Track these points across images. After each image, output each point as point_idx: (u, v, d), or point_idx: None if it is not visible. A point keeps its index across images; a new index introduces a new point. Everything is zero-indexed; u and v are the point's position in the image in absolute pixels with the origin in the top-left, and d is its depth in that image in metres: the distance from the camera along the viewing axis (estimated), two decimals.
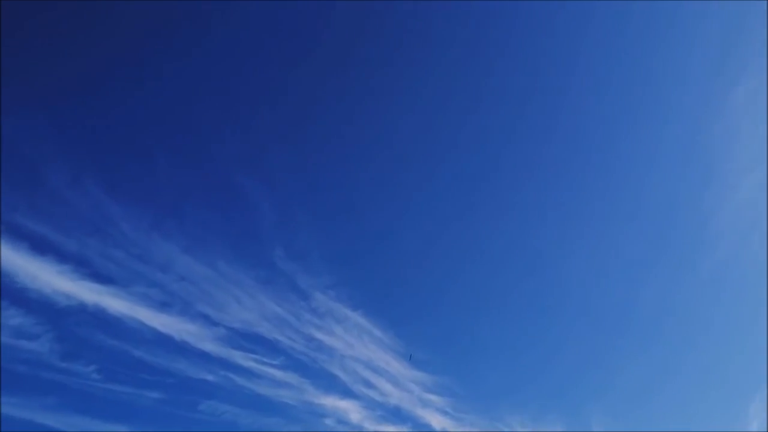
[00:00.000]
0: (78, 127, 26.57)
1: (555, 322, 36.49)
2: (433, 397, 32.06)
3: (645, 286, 37.29)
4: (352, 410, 30.45)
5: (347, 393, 30.61)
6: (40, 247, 24.60)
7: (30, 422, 24.08)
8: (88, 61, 26.82)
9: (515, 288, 36.45)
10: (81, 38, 26.56)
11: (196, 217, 28.67)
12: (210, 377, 27.78)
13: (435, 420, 31.70)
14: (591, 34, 34.93)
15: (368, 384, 31.10)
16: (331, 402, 30.26)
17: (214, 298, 28.18)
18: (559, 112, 36.04)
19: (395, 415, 31.37)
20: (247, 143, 30.74)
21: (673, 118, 36.46)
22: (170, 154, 28.68)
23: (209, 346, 27.76)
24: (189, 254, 27.94)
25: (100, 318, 25.74)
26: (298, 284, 30.16)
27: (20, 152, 24.79)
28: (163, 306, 27.10)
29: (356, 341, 31.28)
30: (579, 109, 36.06)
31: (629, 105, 36.07)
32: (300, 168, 31.93)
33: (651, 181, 37.32)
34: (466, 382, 33.04)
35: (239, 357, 28.34)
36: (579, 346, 36.10)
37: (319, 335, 30.34)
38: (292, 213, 31.17)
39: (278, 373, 29.15)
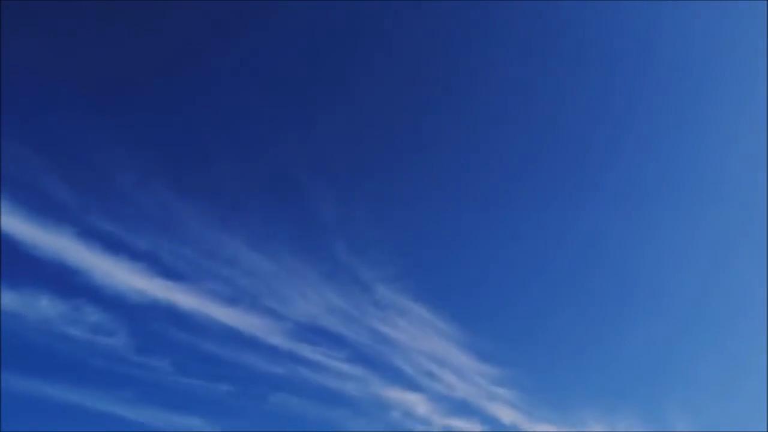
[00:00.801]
0: (144, 131, 27.42)
1: (629, 312, 35.13)
2: (500, 390, 31.61)
3: (725, 275, 35.33)
4: (418, 403, 30.43)
5: (413, 385, 30.61)
6: (113, 246, 25.66)
7: (109, 414, 25.31)
8: (153, 66, 27.67)
9: (586, 277, 35.25)
10: (144, 44, 27.36)
11: (259, 214, 29.19)
12: (278, 370, 28.36)
13: (504, 413, 31.26)
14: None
15: (433, 376, 30.98)
16: (397, 394, 30.33)
17: (280, 292, 28.70)
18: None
19: (462, 408, 31.14)
20: (306, 139, 30.87)
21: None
22: (232, 153, 29.25)
23: (277, 340, 28.32)
24: (254, 250, 28.51)
25: (171, 313, 26.70)
26: (360, 277, 30.28)
27: (90, 157, 25.92)
28: (231, 301, 27.80)
29: (420, 333, 31.17)
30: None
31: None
32: (358, 161, 31.95)
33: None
34: (535, 375, 32.39)
35: (306, 350, 28.79)
36: (655, 336, 34.63)
37: (383, 328, 30.43)
38: (352, 207, 31.20)
39: (344, 366, 29.45)
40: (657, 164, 35.32)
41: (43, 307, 24.60)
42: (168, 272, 26.67)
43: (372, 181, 32.14)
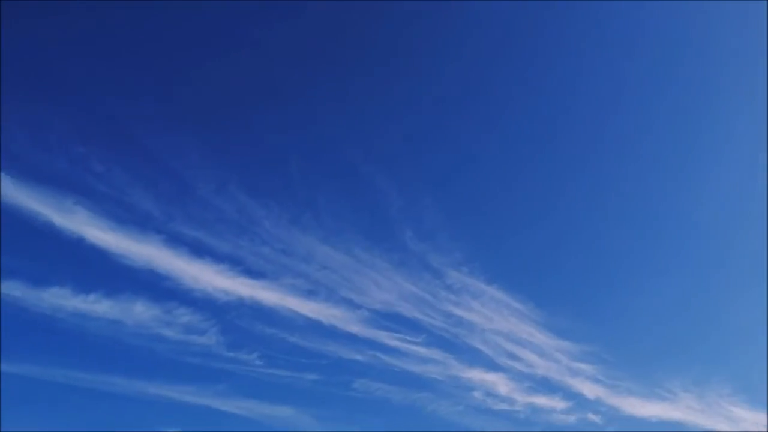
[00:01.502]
0: (219, 140, 29.26)
1: (721, 281, 34.32)
2: (582, 366, 31.47)
3: None
4: (499, 383, 30.74)
5: (492, 366, 30.92)
6: (197, 251, 27.41)
7: (206, 408, 27.06)
8: (223, 78, 29.36)
9: (665, 245, 34.55)
10: (215, 58, 29.10)
11: (329, 210, 30.32)
12: (360, 357, 29.38)
13: (587, 388, 31.12)
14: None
15: (513, 356, 31.18)
16: (478, 375, 30.74)
17: (355, 283, 29.72)
18: None
19: (544, 385, 31.21)
20: (370, 136, 32.00)
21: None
22: (301, 155, 30.55)
23: (355, 328, 29.33)
24: (327, 244, 29.68)
25: (256, 309, 28.17)
26: (430, 264, 30.90)
27: (170, 168, 27.84)
28: (310, 294, 29.06)
29: (495, 315, 31.46)
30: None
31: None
32: (418, 153, 32.74)
33: None
34: (617, 348, 32.02)
35: (384, 337, 29.66)
36: (750, 302, 33.35)
37: (457, 311, 30.93)
38: (416, 196, 31.91)
39: (422, 350, 30.14)
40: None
41: (138, 312, 26.59)
42: (250, 271, 28.30)
43: (434, 171, 32.94)
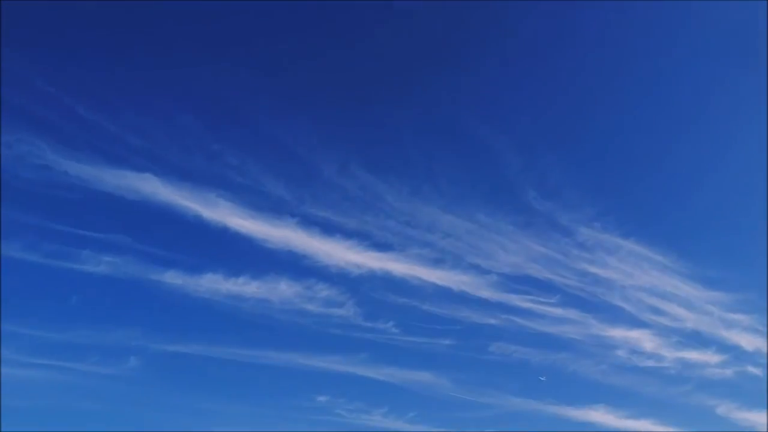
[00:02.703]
0: (336, 122, 30.54)
1: None
2: (737, 316, 29.26)
3: None
4: (644, 339, 29.48)
5: (635, 323, 29.71)
6: (328, 229, 29.04)
7: (350, 375, 28.72)
8: (332, 65, 30.57)
9: None
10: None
11: (448, 178, 30.60)
12: (493, 321, 29.57)
13: (744, 340, 28.93)
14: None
15: (657, 311, 29.70)
16: (620, 333, 29.68)
17: (480, 248, 29.82)
18: None
19: (695, 339, 29.47)
20: (482, 96, 31.70)
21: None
22: (415, 126, 31.08)
23: (486, 293, 29.52)
24: (449, 213, 30.07)
25: (387, 281, 29.31)
26: (559, 222, 30.16)
27: (296, 154, 29.61)
28: (437, 262, 29.64)
29: (635, 269, 30.06)
30: None
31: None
32: (535, 107, 31.87)
33: None
34: None
35: (516, 300, 29.57)
36: None
37: (592, 269, 29.94)
38: (537, 154, 31.17)
39: (557, 311, 29.65)
40: None
41: (282, 290, 28.77)
42: (377, 245, 29.48)
43: (552, 125, 31.81)
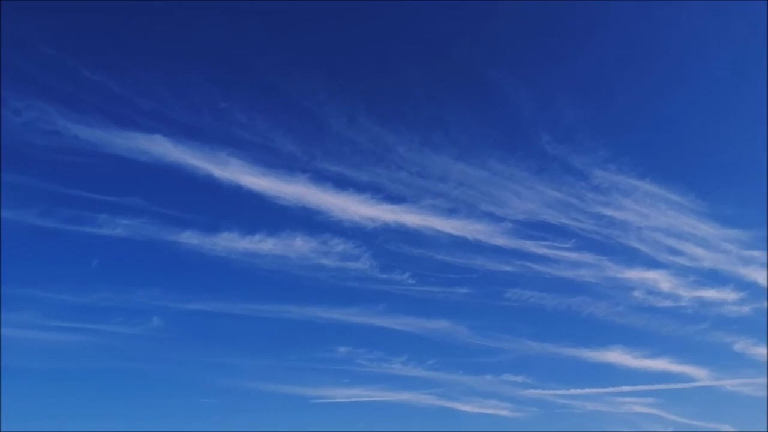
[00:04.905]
0: (342, 74, 30.01)
1: None
2: (754, 253, 29.11)
3: None
4: (661, 280, 29.51)
5: (652, 263, 29.72)
6: (340, 183, 29.03)
7: (369, 326, 29.28)
8: (337, 17, 29.78)
9: None
10: None
11: (459, 125, 30.23)
12: (508, 268, 29.73)
13: (761, 276, 28.79)
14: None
15: (674, 251, 29.63)
16: (637, 274, 29.73)
17: (494, 196, 29.70)
18: None
19: (712, 278, 29.47)
20: (491, 36, 30.73)
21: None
22: (422, 73, 30.39)
23: (500, 241, 29.56)
24: (461, 161, 29.83)
25: (402, 233, 29.44)
26: (573, 165, 29.83)
27: (304, 108, 29.24)
28: (451, 212, 29.62)
29: (651, 210, 29.83)
30: None
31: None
32: (545, 48, 31.03)
33: None
34: None
35: (531, 246, 29.60)
36: None
37: (607, 212, 29.77)
38: (549, 96, 30.62)
39: (573, 255, 29.68)
40: None
41: (298, 246, 28.98)
42: (390, 197, 29.45)
43: (564, 66, 31.18)
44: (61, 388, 26.58)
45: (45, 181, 26.84)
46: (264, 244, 28.52)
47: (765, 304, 28.36)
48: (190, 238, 27.92)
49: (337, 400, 27.81)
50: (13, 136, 25.68)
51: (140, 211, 27.51)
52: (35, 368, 26.21)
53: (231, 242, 28.30)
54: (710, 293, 29.20)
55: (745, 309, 29.02)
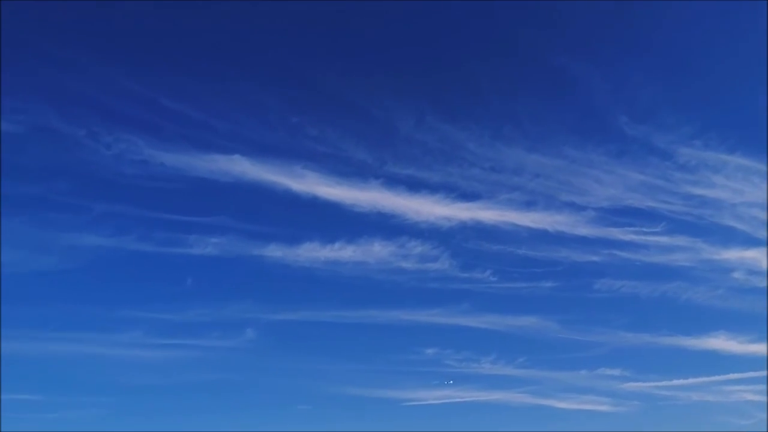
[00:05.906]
0: (407, 75, 30.07)
1: None
2: None
3: None
4: (762, 258, 27.60)
5: (751, 241, 27.92)
6: (413, 186, 29.11)
7: (455, 326, 29.01)
8: (398, 20, 29.94)
9: None
10: None
11: (529, 115, 29.55)
12: (595, 258, 28.75)
13: None
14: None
15: None
16: (735, 254, 28.01)
17: (573, 184, 28.83)
18: None
19: None
20: (558, 18, 29.81)
21: None
22: (488, 64, 29.92)
23: (584, 231, 28.64)
24: (535, 152, 29.13)
25: (479, 230, 29.13)
26: (655, 145, 28.52)
27: (371, 114, 29.60)
28: (528, 205, 29.02)
29: (744, 185, 28.03)
30: None
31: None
32: (617, 25, 29.78)
33: None
34: None
35: (617, 233, 28.52)
36: None
37: (697, 191, 28.20)
38: (623, 76, 29.37)
39: (663, 239, 28.33)
40: None
41: (377, 251, 29.22)
42: (464, 195, 29.20)
43: (638, 43, 29.82)
44: (168, 401, 28.12)
45: (138, 207, 28.48)
46: (344, 252, 29.03)
47: None
48: (274, 251, 28.83)
49: (429, 402, 27.80)
50: (106, 168, 27.62)
51: (226, 229, 28.61)
52: (144, 384, 27.83)
53: (313, 252, 28.99)
54: None
55: None
